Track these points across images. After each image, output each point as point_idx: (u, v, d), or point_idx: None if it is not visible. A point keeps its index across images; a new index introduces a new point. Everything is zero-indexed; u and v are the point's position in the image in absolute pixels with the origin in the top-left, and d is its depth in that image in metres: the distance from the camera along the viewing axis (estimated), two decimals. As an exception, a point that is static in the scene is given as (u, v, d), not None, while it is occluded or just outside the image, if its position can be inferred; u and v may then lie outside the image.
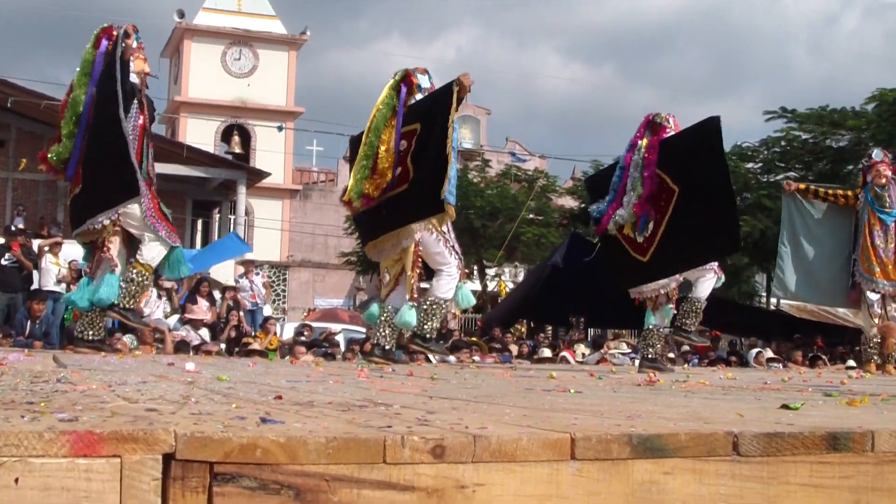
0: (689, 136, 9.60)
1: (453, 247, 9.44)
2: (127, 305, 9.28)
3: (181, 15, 41.32)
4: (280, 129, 36.46)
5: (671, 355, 13.29)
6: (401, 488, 2.20)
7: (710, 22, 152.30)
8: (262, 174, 32.62)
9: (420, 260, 9.36)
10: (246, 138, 41.06)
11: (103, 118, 9.09)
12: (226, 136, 41.11)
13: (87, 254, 9.57)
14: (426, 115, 9.20)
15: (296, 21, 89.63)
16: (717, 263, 10.39)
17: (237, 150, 40.00)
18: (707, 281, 10.25)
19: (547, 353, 16.88)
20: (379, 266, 10.03)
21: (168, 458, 2.10)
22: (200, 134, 38.44)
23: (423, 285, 9.65)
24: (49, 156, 9.33)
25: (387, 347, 9.44)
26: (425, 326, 9.39)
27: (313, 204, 43.78)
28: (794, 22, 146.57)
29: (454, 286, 9.45)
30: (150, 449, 2.09)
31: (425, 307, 9.36)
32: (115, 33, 9.28)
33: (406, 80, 9.45)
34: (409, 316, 9.26)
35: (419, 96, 9.45)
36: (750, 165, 25.59)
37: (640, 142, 9.65)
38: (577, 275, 18.90)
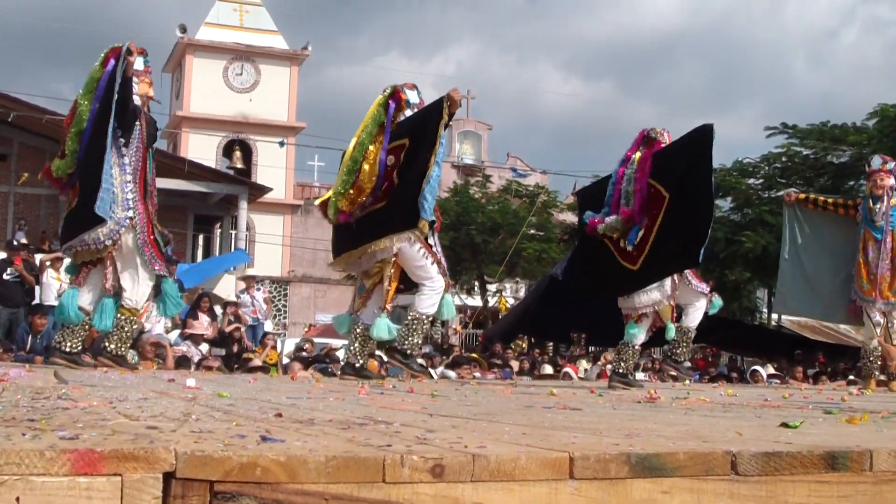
0: (682, 143, 9.55)
1: (439, 261, 9.38)
2: (118, 352, 9.34)
3: (183, 30, 41.40)
4: (281, 144, 36.48)
5: (673, 373, 13.28)
6: (400, 507, 2.21)
7: (709, 36, 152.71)
8: (264, 189, 32.66)
9: (399, 272, 9.31)
10: (247, 153, 41.10)
11: (98, 134, 9.12)
12: (227, 150, 41.15)
13: (72, 267, 9.61)
14: (414, 131, 9.15)
15: (297, 36, 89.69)
16: (708, 287, 10.29)
17: (239, 164, 40.04)
18: (699, 310, 10.15)
19: (549, 369, 16.85)
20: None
21: (168, 477, 2.12)
22: (202, 149, 38.49)
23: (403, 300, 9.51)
24: (53, 169, 9.40)
25: (357, 365, 9.37)
26: (406, 342, 9.24)
27: (314, 219, 43.67)
28: (794, 36, 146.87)
29: (436, 301, 9.32)
30: (150, 467, 2.10)
31: (406, 322, 9.26)
32: (403, 96, 9.35)
33: (395, 96, 9.38)
34: (381, 328, 9.07)
35: (408, 112, 9.38)
36: (751, 181, 25.59)
37: (633, 156, 9.63)
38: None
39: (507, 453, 2.37)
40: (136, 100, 9.37)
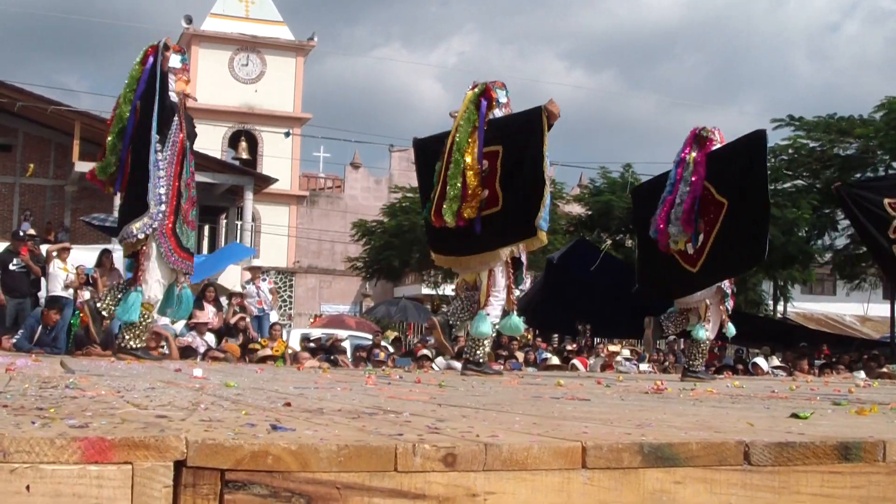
0: (734, 149, 9.81)
1: (511, 276, 9.56)
2: (136, 345, 9.45)
3: (189, 20, 41.36)
4: (287, 134, 36.49)
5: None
6: (412, 496, 2.20)
7: (710, 28, 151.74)
8: (269, 180, 32.64)
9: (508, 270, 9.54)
10: (253, 144, 41.07)
11: (142, 130, 9.27)
12: (233, 141, 41.13)
13: (130, 265, 9.79)
14: (509, 139, 9.34)
15: (302, 27, 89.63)
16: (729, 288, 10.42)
17: (244, 155, 40.02)
18: (714, 324, 10.30)
19: (555, 360, 16.81)
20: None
21: (179, 465, 2.10)
22: (208, 139, 38.33)
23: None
24: (96, 173, 9.55)
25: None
26: (477, 353, 9.60)
27: (320, 210, 43.80)
28: (795, 28, 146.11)
29: (500, 312, 9.59)
30: (161, 456, 2.09)
31: (473, 335, 9.61)
32: (493, 94, 9.51)
33: (486, 94, 9.55)
34: (484, 326, 9.44)
35: (497, 112, 9.56)
36: (757, 173, 25.51)
37: (687, 157, 9.78)
38: (581, 283, 18.91)
39: (519, 443, 2.35)
40: (173, 96, 9.48)
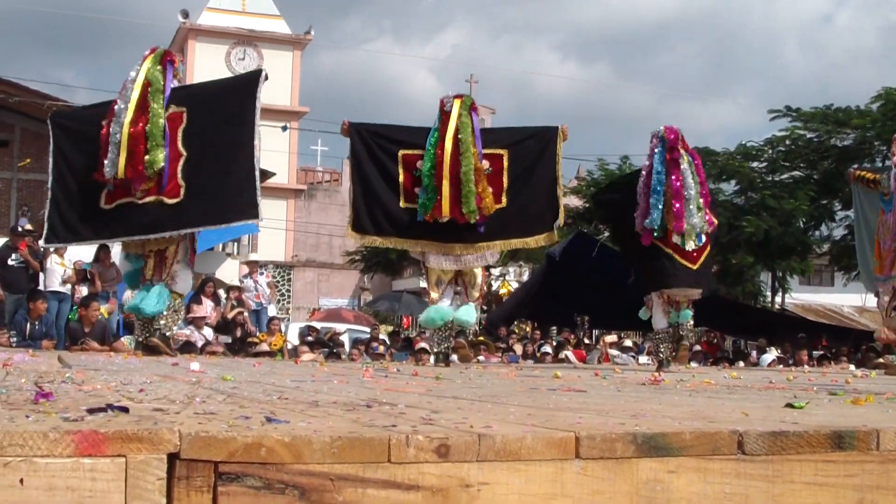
0: None
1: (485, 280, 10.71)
2: (167, 333, 9.94)
3: (185, 15, 41.32)
4: (284, 128, 36.41)
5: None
6: (405, 487, 2.20)
7: (704, 20, 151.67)
8: (267, 174, 32.54)
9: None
10: (250, 138, 40.98)
11: (228, 140, 9.74)
12: (230, 136, 41.04)
13: (134, 257, 9.93)
14: (517, 145, 10.47)
15: (299, 21, 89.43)
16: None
17: (241, 149, 39.93)
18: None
19: (571, 357, 16.76)
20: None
21: (173, 458, 2.10)
22: (205, 134, 38.36)
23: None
24: (145, 167, 9.55)
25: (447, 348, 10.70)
26: (443, 346, 10.68)
27: (318, 204, 43.76)
28: (789, 19, 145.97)
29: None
30: (154, 448, 2.09)
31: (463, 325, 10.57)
32: (176, 60, 10.01)
33: (473, 106, 10.52)
34: (469, 315, 10.46)
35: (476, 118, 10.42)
36: (754, 164, 25.47)
37: (682, 151, 10.16)
38: (579, 276, 18.95)
39: (512, 433, 2.35)
40: None
